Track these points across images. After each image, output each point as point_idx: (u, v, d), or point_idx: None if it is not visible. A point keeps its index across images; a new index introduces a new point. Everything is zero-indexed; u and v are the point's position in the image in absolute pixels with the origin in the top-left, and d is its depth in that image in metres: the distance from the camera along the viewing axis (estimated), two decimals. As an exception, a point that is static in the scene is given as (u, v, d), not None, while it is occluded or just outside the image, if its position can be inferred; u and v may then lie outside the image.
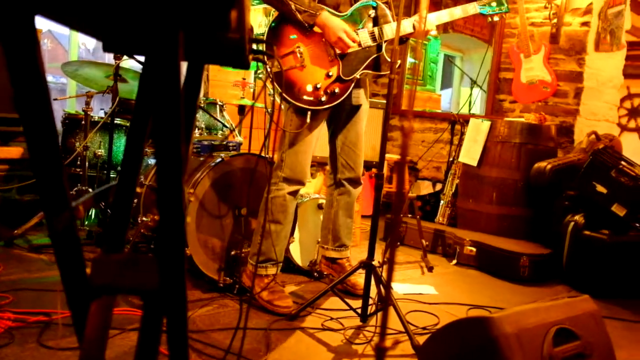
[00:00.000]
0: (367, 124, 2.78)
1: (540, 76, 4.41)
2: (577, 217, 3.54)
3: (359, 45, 2.45)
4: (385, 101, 2.36)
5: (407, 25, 2.46)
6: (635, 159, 5.62)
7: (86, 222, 3.45)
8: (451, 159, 4.59)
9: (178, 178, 0.84)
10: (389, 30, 2.46)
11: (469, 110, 5.73)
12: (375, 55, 2.49)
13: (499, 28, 4.84)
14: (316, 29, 2.40)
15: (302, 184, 2.55)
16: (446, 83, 8.34)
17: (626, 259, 3.39)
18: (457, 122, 4.59)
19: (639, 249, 3.44)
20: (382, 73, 2.51)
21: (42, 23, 3.96)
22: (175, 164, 0.79)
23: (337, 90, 2.43)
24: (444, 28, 7.03)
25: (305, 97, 2.39)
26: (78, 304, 0.93)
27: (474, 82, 5.83)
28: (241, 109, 3.69)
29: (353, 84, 2.48)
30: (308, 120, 2.43)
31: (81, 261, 0.91)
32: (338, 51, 2.42)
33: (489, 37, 7.04)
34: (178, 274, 0.88)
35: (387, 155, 4.42)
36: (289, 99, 2.38)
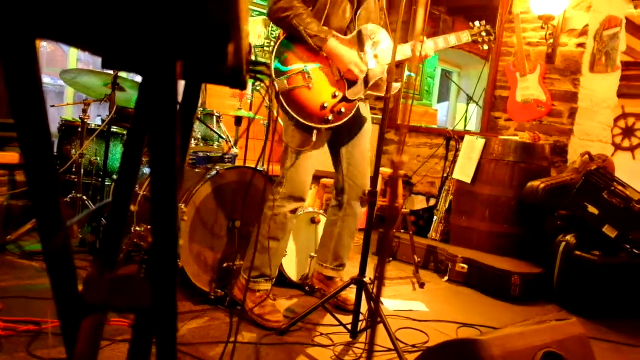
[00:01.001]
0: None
1: (536, 95, 4.45)
2: (568, 237, 3.56)
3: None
4: (381, 116, 2.39)
5: (406, 50, 2.53)
6: (629, 178, 5.66)
7: (80, 230, 3.45)
8: (445, 175, 4.61)
9: (172, 201, 0.85)
10: (391, 54, 2.50)
11: (465, 126, 5.76)
12: (378, 78, 2.54)
13: (495, 47, 4.89)
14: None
15: (302, 200, 2.57)
16: (443, 96, 8.40)
17: (616, 281, 3.41)
18: (452, 139, 4.62)
19: (629, 271, 3.47)
20: (381, 95, 2.54)
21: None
22: (169, 188, 0.80)
23: (343, 109, 2.47)
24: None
25: (313, 116, 2.42)
26: (69, 321, 0.94)
27: (470, 99, 5.87)
28: (238, 120, 3.70)
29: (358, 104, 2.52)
30: (314, 138, 2.47)
31: (74, 280, 0.92)
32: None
33: (486, 53, 7.11)
34: (170, 294, 0.89)
35: (382, 169, 4.43)
36: (297, 117, 2.40)
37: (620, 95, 5.33)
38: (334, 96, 2.45)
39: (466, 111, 5.79)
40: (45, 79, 7.87)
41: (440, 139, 5.15)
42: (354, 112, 2.51)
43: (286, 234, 2.58)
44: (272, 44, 5.24)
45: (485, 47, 2.75)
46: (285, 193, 2.52)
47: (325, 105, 2.43)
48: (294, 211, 2.56)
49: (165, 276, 0.88)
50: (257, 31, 5.12)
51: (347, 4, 2.49)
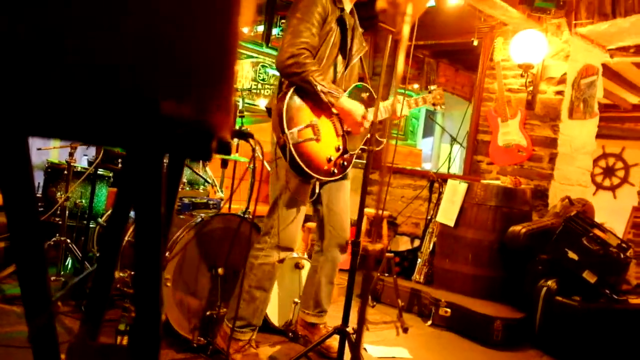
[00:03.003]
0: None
1: (517, 140, 4.55)
2: (549, 282, 3.61)
3: None
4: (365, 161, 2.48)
5: (387, 107, 2.64)
6: (610, 216, 5.77)
7: (62, 272, 3.42)
8: (429, 217, 4.66)
9: (156, 280, 0.88)
10: (383, 111, 2.61)
11: (449, 167, 5.85)
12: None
13: (477, 92, 5.02)
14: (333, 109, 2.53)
15: (291, 250, 2.60)
16: (428, 132, 8.52)
17: (597, 326, 3.44)
18: (435, 181, 4.69)
19: (609, 316, 3.51)
20: (367, 148, 2.62)
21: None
22: (153, 268, 0.83)
23: (345, 163, 2.58)
24: (426, 86, 7.26)
25: (320, 169, 2.49)
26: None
27: (453, 139, 5.98)
28: (224, 162, 3.74)
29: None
30: (317, 190, 2.54)
31: (57, 354, 0.94)
32: (348, 129, 2.57)
33: (469, 95, 7.27)
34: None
35: (366, 210, 4.47)
36: (306, 169, 2.42)
37: (600, 135, 5.47)
38: (338, 149, 2.55)
39: (450, 152, 5.90)
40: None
41: (424, 180, 5.22)
42: (352, 165, 2.61)
43: (273, 283, 2.61)
44: (259, 86, 5.34)
45: (439, 109, 3.00)
46: (274, 243, 2.54)
47: (331, 158, 2.51)
48: (281, 260, 2.59)
49: (148, 350, 0.91)
50: (244, 73, 5.21)
51: (340, 60, 2.61)
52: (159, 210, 0.80)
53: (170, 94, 0.60)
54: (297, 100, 2.46)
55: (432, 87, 2.93)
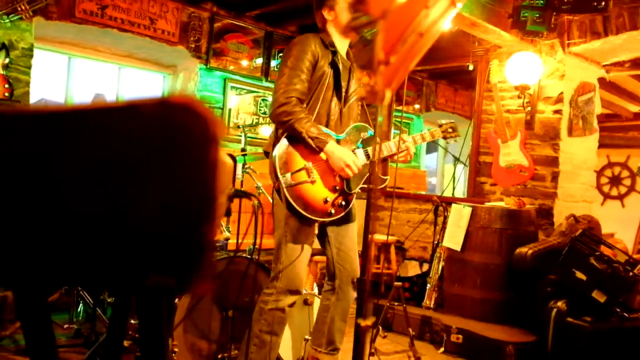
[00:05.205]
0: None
1: (518, 161, 4.59)
2: (559, 304, 3.60)
3: None
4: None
5: (391, 145, 2.68)
6: (619, 226, 5.75)
7: (74, 319, 3.47)
8: (436, 242, 4.68)
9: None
10: (384, 149, 2.67)
11: (453, 189, 5.88)
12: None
13: (476, 114, 5.07)
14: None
15: (299, 293, 2.64)
16: (431, 148, 8.55)
17: (609, 345, 3.43)
18: (439, 205, 4.72)
19: (621, 335, 3.50)
20: (367, 185, 2.67)
21: (36, 92, 4.13)
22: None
23: (343, 202, 2.61)
24: (427, 107, 7.33)
25: (317, 210, 2.53)
26: None
27: (456, 159, 6.02)
28: (227, 211, 3.78)
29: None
30: (316, 231, 2.57)
31: None
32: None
33: (470, 113, 7.32)
34: None
35: (376, 236, 4.48)
36: (303, 212, 2.48)
37: (604, 145, 5.47)
38: (334, 190, 2.59)
39: (454, 174, 5.93)
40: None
41: (429, 204, 5.25)
42: (352, 204, 2.64)
43: (284, 327, 2.64)
44: (260, 119, 5.42)
45: (453, 142, 2.99)
46: (282, 287, 2.57)
47: (328, 199, 2.55)
48: (292, 304, 2.62)
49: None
50: (245, 108, 5.28)
51: (336, 102, 2.66)
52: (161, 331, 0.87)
53: (160, 273, 0.70)
54: (291, 145, 2.53)
55: (443, 122, 2.92)
